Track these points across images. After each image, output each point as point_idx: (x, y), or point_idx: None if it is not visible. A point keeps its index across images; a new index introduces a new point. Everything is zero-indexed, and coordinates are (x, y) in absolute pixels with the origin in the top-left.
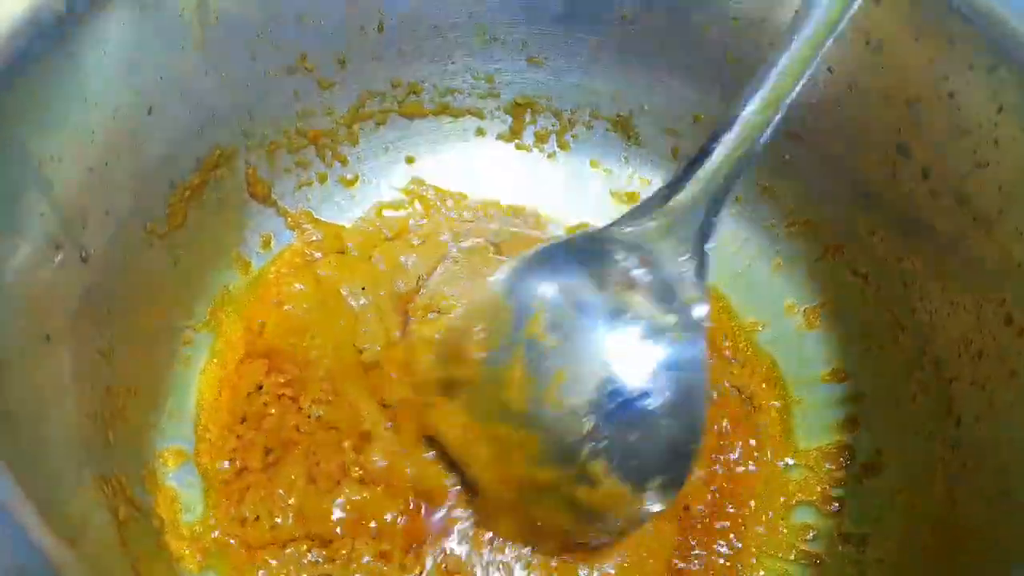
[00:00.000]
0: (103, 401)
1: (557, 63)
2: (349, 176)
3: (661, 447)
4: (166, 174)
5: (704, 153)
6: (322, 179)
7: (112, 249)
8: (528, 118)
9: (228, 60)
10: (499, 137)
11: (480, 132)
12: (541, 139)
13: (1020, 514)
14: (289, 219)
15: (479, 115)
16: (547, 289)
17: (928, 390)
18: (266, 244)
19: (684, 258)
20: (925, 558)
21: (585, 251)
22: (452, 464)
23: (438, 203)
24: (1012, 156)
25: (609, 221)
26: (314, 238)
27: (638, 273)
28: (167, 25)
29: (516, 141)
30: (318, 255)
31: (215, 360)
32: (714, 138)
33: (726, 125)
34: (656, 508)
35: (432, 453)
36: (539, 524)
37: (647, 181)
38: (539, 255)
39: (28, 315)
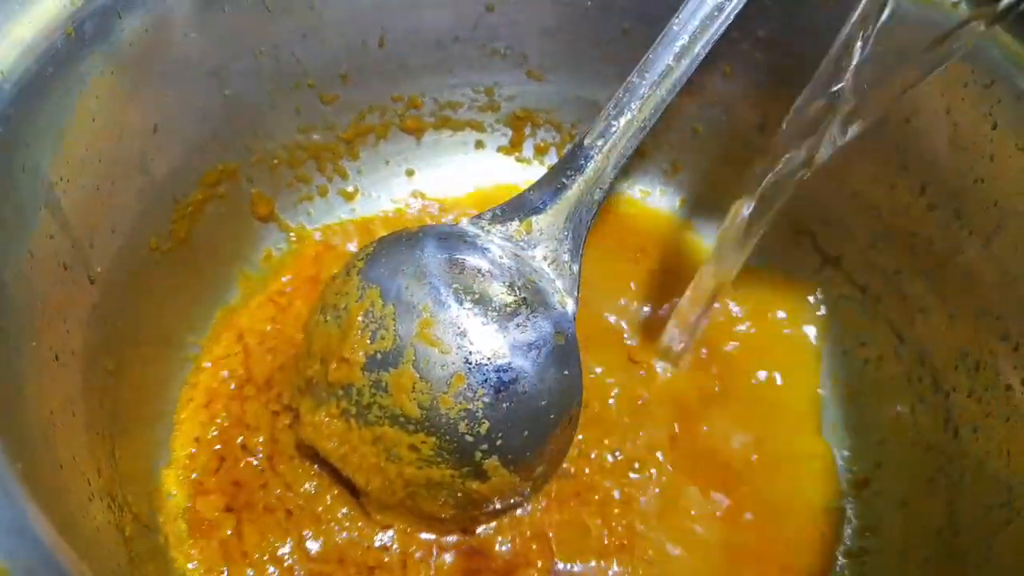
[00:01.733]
0: (110, 418)
1: (558, 76)
2: (350, 189)
3: (546, 439)
4: (170, 191)
5: (581, 148)
6: (323, 192)
7: (118, 267)
8: (528, 131)
9: (232, 78)
10: (499, 150)
11: (480, 145)
12: (541, 152)
13: (1020, 524)
14: (292, 233)
15: (479, 128)
16: (429, 287)
17: (926, 402)
18: (267, 258)
19: (565, 258)
20: (926, 571)
21: (460, 244)
22: (334, 470)
23: (439, 216)
24: (1007, 172)
25: None
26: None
27: (517, 272)
28: (172, 45)
29: (516, 154)
30: (351, 246)
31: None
32: (599, 135)
33: (607, 124)
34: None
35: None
36: (425, 513)
37: (647, 192)
38: (409, 243)
39: (38, 336)
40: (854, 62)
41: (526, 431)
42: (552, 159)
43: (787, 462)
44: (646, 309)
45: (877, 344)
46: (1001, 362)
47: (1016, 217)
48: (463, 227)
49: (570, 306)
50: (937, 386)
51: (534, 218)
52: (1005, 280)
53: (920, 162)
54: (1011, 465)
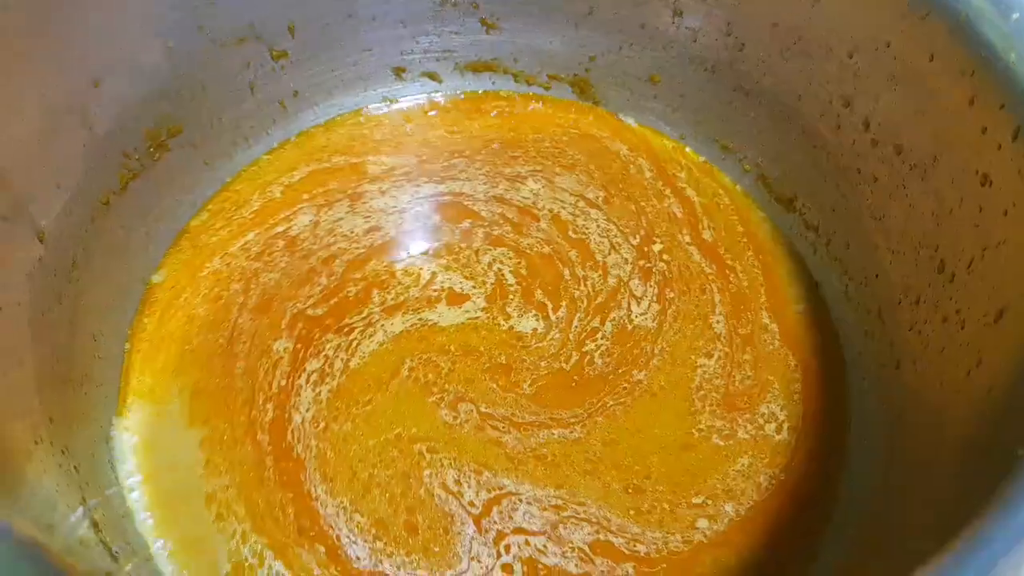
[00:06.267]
0: (65, 366)
1: (510, 25)
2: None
3: None
4: (117, 145)
5: None
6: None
7: (65, 220)
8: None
9: (175, 30)
10: None
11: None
12: None
13: (952, 451)
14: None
15: (436, 78)
16: None
17: (874, 337)
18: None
19: None
20: (872, 503)
21: None
22: None
23: None
24: (944, 104)
25: None
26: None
27: None
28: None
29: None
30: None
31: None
32: None
33: None
34: None
35: None
36: None
37: None
38: None
39: None
40: None
41: None
42: None
43: None
44: None
45: (829, 284)
46: (938, 294)
47: (954, 150)
48: None
49: None
50: (883, 321)
51: None
52: (942, 212)
53: (863, 98)
54: (944, 394)
